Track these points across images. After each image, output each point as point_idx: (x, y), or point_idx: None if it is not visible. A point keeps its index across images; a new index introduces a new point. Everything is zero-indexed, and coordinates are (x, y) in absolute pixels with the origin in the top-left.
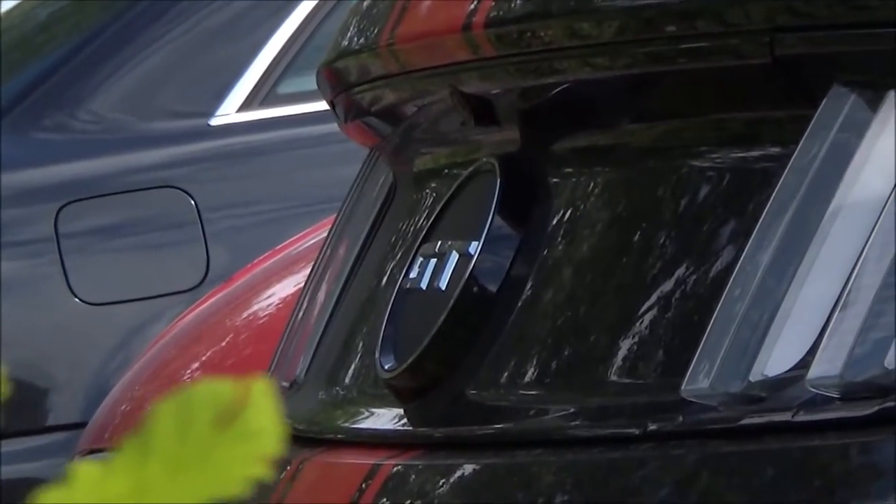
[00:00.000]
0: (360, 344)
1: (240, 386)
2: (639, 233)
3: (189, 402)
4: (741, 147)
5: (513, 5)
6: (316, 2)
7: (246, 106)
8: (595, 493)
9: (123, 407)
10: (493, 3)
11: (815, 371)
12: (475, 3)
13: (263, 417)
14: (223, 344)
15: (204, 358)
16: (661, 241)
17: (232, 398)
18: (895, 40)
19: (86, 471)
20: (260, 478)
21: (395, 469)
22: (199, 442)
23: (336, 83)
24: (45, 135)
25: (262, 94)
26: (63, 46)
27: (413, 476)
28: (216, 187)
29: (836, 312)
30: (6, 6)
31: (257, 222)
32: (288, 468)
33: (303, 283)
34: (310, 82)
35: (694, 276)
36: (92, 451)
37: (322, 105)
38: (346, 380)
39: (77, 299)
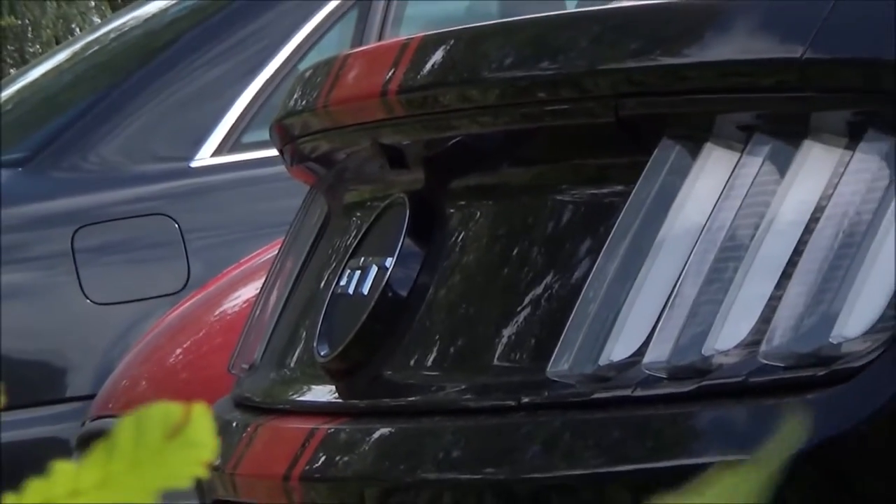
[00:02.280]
0: (303, 336)
1: (185, 407)
2: (515, 250)
3: (146, 418)
4: (593, 186)
5: (418, 76)
6: (271, 74)
7: (218, 152)
8: (480, 451)
9: (123, 383)
10: (404, 75)
11: (648, 357)
12: (390, 74)
13: (202, 432)
14: (199, 335)
15: (185, 345)
16: (532, 257)
17: (178, 416)
18: (708, 104)
19: (63, 467)
20: (199, 477)
21: (328, 432)
22: (153, 448)
23: (284, 136)
24: (64, 174)
25: (230, 143)
26: (77, 106)
27: (342, 437)
28: (195, 214)
29: (665, 312)
30: (37, 72)
31: (226, 241)
32: (247, 431)
33: (259, 289)
34: (265, 134)
35: (557, 284)
36: (99, 417)
37: (274, 152)
38: (292, 363)
39: (88, 300)
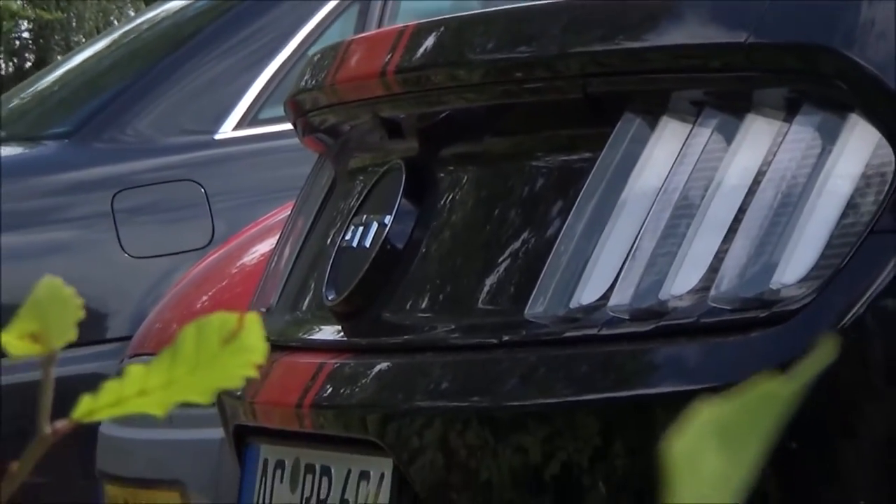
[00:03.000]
0: (312, 283)
1: (239, 316)
2: (497, 209)
3: (205, 326)
4: (564, 153)
5: (413, 59)
6: (285, 58)
7: (239, 126)
8: (466, 383)
9: (156, 325)
10: (400, 57)
11: (612, 301)
12: (388, 56)
13: (254, 338)
14: (222, 284)
15: (210, 293)
16: (511, 214)
17: (233, 324)
18: (664, 82)
19: (134, 370)
20: (250, 377)
21: (334, 366)
22: (211, 352)
23: (297, 110)
24: (104, 145)
25: (249, 118)
26: (115, 87)
27: (346, 371)
28: (218, 180)
29: (627, 262)
30: (80, 58)
31: (245, 203)
32: (263, 366)
33: (274, 244)
34: (280, 111)
35: (533, 238)
36: (136, 356)
37: (288, 125)
38: (303, 307)
39: (126, 254)
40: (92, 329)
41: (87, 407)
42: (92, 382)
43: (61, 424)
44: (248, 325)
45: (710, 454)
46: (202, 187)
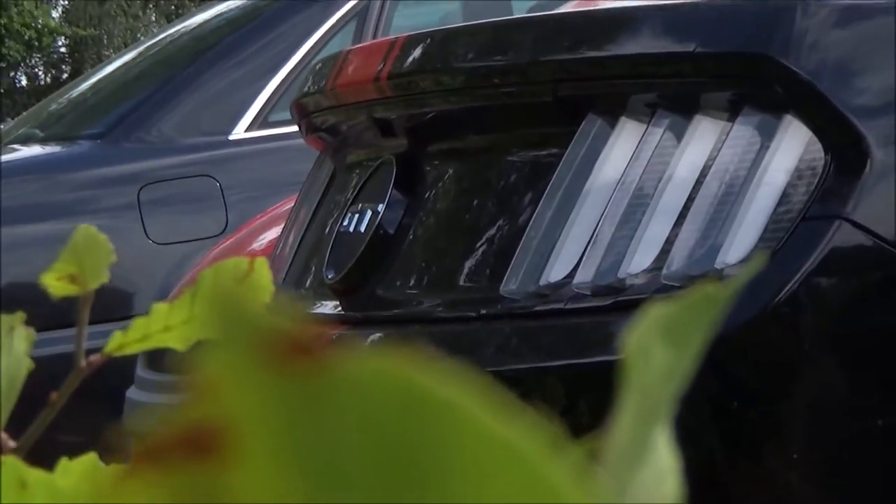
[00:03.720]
0: (314, 264)
1: (250, 260)
2: (476, 198)
3: (221, 268)
4: (535, 149)
5: (403, 66)
6: (291, 68)
7: (250, 128)
8: (449, 350)
9: None
10: (392, 65)
11: (577, 279)
12: (381, 64)
13: (263, 278)
14: None
15: None
16: (489, 203)
17: (245, 266)
18: (623, 87)
19: (158, 307)
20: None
21: (333, 337)
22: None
23: (301, 112)
24: (131, 144)
25: (259, 121)
26: (141, 93)
27: (344, 341)
28: (232, 175)
29: (589, 246)
30: (110, 68)
31: (255, 196)
32: None
33: (281, 230)
34: (287, 114)
35: (508, 224)
36: None
37: (294, 127)
38: (306, 285)
39: (150, 241)
40: (121, 306)
41: (117, 342)
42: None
43: (94, 358)
44: (258, 268)
45: (658, 349)
46: (217, 182)
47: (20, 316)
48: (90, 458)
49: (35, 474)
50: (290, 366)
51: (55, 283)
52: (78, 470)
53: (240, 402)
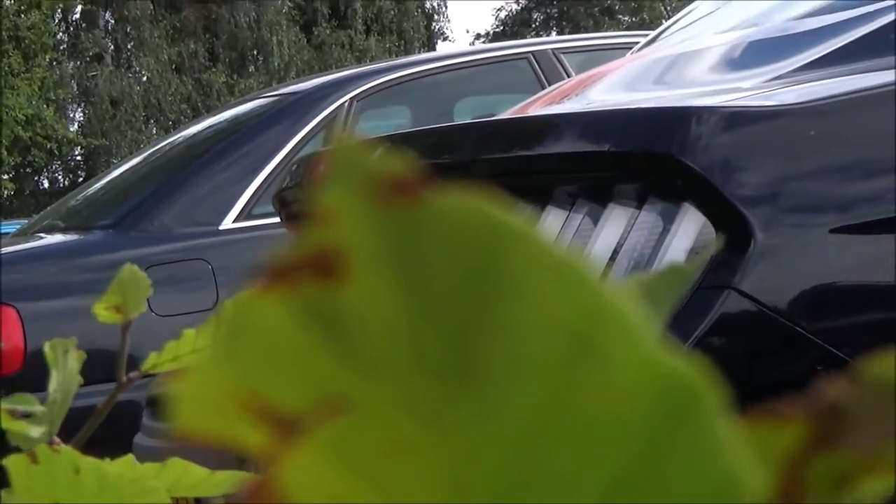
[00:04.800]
0: None
1: None
2: None
3: (239, 299)
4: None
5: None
6: (272, 168)
7: (238, 219)
8: None
9: None
10: None
11: None
12: None
13: None
14: None
15: None
16: None
17: None
18: (549, 180)
19: (188, 333)
20: None
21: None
22: None
23: (280, 203)
24: (137, 233)
25: (245, 213)
26: (144, 191)
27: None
28: (222, 259)
29: None
30: (117, 172)
31: (242, 276)
32: None
33: None
34: (269, 208)
35: None
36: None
37: (275, 218)
38: None
39: (154, 313)
40: (129, 367)
41: (152, 361)
42: (134, 405)
43: (133, 374)
44: None
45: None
46: (209, 264)
47: (73, 340)
48: (129, 458)
49: (86, 461)
50: (394, 201)
51: (103, 312)
52: (121, 462)
53: (353, 230)
